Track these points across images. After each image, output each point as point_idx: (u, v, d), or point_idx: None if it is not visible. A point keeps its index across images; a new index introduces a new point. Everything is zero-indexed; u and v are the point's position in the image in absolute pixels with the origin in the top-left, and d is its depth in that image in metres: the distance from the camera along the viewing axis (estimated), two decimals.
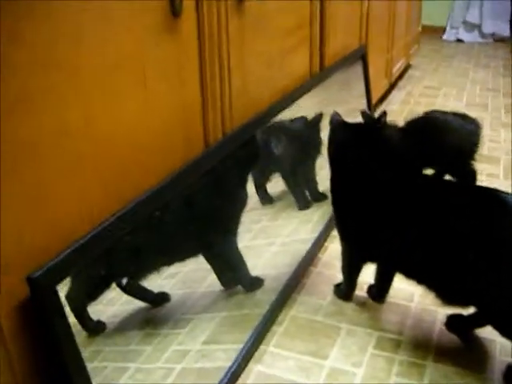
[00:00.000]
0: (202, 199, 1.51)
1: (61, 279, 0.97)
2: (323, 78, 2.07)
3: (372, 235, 1.52)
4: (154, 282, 1.44)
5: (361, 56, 2.56)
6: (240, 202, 1.64)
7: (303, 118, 1.98)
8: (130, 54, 1.06)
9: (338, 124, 1.58)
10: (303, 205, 2.08)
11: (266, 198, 1.96)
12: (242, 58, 1.47)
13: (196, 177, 1.28)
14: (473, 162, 2.12)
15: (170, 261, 1.46)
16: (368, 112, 2.21)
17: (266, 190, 1.96)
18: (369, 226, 1.51)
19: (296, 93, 1.82)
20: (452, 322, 1.55)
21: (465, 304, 1.41)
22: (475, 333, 1.55)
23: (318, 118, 1.98)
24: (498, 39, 5.85)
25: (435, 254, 1.37)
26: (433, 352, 1.49)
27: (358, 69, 2.59)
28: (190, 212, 1.46)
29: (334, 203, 1.62)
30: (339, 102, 2.59)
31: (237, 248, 1.65)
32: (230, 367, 1.42)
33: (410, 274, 1.47)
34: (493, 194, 1.37)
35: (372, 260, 1.60)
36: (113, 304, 1.41)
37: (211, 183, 1.49)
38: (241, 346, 1.49)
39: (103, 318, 1.33)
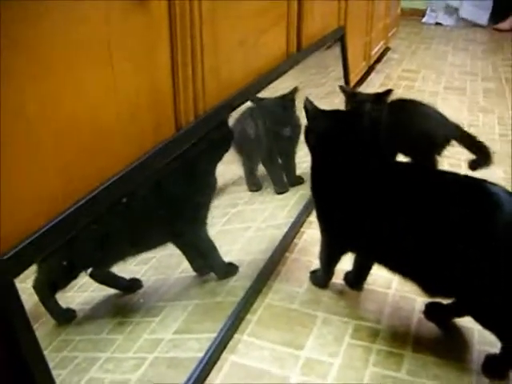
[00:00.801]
0: (171, 185, 1.46)
1: (18, 272, 0.91)
2: (300, 60, 2.02)
3: (352, 224, 1.47)
4: (127, 268, 1.41)
5: (339, 38, 2.51)
6: (210, 188, 1.59)
7: (278, 98, 1.95)
8: (95, 33, 1.00)
9: (314, 112, 1.53)
10: (280, 188, 2.04)
11: (255, 185, 1.92)
12: (215, 37, 1.41)
13: (165, 162, 1.22)
14: (437, 156, 2.09)
15: (137, 250, 1.42)
16: (346, 87, 2.16)
17: (255, 176, 1.91)
18: (349, 215, 1.47)
19: (272, 74, 1.76)
20: (430, 310, 1.52)
21: (445, 295, 1.38)
22: (454, 321, 1.52)
23: (293, 92, 1.93)
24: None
25: (415, 243, 1.33)
26: (411, 341, 1.46)
27: (336, 51, 2.54)
28: (159, 199, 1.42)
29: (315, 192, 1.57)
30: (317, 84, 2.54)
31: (206, 235, 1.61)
32: (203, 357, 1.38)
33: (390, 265, 1.44)
34: (475, 183, 1.33)
35: (352, 250, 1.56)
36: (84, 290, 1.37)
37: (181, 168, 1.44)
38: (214, 335, 1.45)
39: (74, 306, 1.31)
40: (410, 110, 2.11)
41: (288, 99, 1.90)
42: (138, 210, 1.35)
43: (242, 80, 1.60)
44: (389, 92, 1.99)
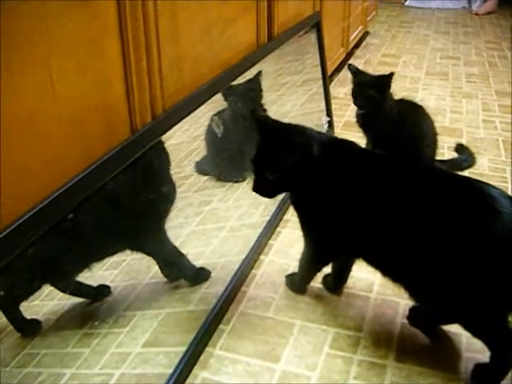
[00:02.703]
0: (127, 192, 1.36)
1: None
2: (272, 49, 1.91)
3: (341, 225, 1.36)
4: (95, 274, 1.35)
5: (315, 24, 2.39)
6: (169, 193, 1.49)
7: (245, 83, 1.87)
8: (28, 26, 0.88)
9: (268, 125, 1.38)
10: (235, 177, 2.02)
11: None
12: (175, 28, 1.29)
13: (117, 169, 1.10)
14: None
15: (98, 258, 1.36)
16: (353, 66, 2.13)
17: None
18: (337, 216, 1.35)
19: (241, 66, 1.65)
20: (414, 315, 1.42)
21: (434, 301, 1.28)
22: (439, 327, 1.43)
23: (258, 76, 1.86)
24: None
25: (404, 244, 1.24)
26: (394, 350, 1.37)
27: (312, 37, 2.43)
28: (113, 208, 1.33)
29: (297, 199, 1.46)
30: (293, 72, 2.44)
31: (168, 242, 1.51)
32: (172, 374, 1.28)
33: (380, 267, 1.34)
34: (474, 185, 1.24)
35: (339, 256, 1.47)
36: (51, 299, 1.32)
37: (138, 174, 1.33)
38: (184, 348, 1.35)
39: (40, 316, 1.27)
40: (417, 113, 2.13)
41: (255, 83, 1.86)
42: (93, 220, 1.26)
43: (208, 73, 1.49)
44: (391, 75, 2.04)
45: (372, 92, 2.01)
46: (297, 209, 1.44)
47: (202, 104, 1.42)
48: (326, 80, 2.49)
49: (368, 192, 1.29)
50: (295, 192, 1.42)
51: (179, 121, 1.29)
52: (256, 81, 1.84)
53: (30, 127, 0.91)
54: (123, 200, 1.37)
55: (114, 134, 1.10)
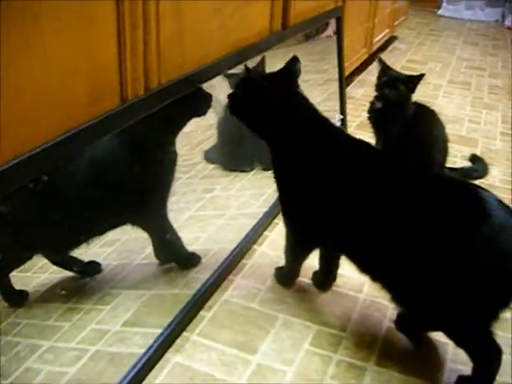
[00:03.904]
0: (121, 162, 1.36)
1: None
2: (285, 38, 1.86)
3: (318, 215, 1.33)
4: (90, 250, 1.37)
5: (336, 18, 2.34)
6: (167, 164, 1.46)
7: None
8: None
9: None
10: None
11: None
12: (179, 1, 1.25)
13: (99, 137, 1.07)
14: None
15: (94, 232, 1.37)
16: (383, 60, 2.13)
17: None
18: (314, 205, 1.33)
19: (249, 50, 1.60)
20: (402, 320, 1.37)
21: (414, 305, 1.24)
22: (427, 335, 1.38)
23: (262, 63, 1.80)
24: None
25: (385, 243, 1.20)
26: (376, 353, 1.32)
27: (332, 33, 2.38)
28: (112, 179, 1.34)
29: (277, 179, 1.42)
30: (317, 70, 2.44)
31: (167, 220, 1.50)
32: (144, 355, 1.25)
33: (358, 263, 1.30)
34: (465, 188, 1.21)
35: (319, 244, 1.42)
36: (43, 271, 1.36)
37: (128, 145, 1.30)
38: (160, 330, 1.32)
39: (30, 288, 1.31)
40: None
41: (259, 68, 1.79)
42: (91, 192, 1.29)
43: (214, 53, 1.44)
44: (421, 76, 2.01)
45: (402, 87, 1.98)
46: (277, 182, 1.42)
47: (202, 83, 1.38)
48: (343, 78, 2.44)
49: (349, 182, 1.27)
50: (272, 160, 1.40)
51: (173, 97, 1.25)
52: (260, 68, 1.79)
53: (17, 87, 0.87)
54: (122, 170, 1.37)
55: (101, 102, 1.06)
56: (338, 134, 1.38)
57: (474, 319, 1.15)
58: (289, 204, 1.42)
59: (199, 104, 1.44)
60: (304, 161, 1.32)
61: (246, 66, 1.42)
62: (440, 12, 5.79)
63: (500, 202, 1.14)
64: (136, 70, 1.14)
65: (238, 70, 1.62)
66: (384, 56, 3.88)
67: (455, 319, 1.17)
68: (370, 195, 1.23)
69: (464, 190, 1.19)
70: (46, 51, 0.91)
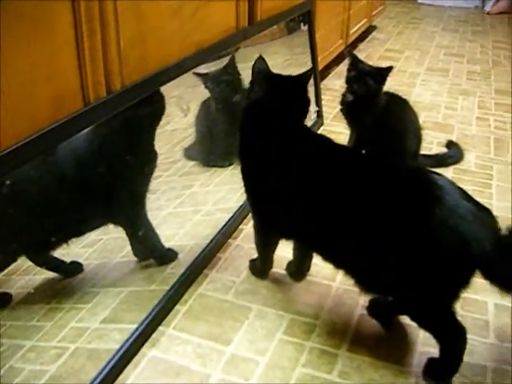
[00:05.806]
0: (88, 164, 1.38)
1: None
2: (252, 34, 1.88)
3: (280, 205, 1.35)
4: (72, 251, 1.40)
5: (307, 12, 2.37)
6: (142, 167, 1.49)
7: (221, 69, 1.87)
8: None
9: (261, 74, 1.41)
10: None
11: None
12: (138, 4, 1.28)
13: (63, 140, 1.10)
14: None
15: (76, 232, 1.42)
16: (352, 52, 2.16)
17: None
18: (276, 194, 1.35)
19: (215, 48, 1.63)
20: (374, 306, 1.40)
21: (378, 290, 1.27)
22: (398, 320, 1.40)
23: (232, 60, 1.85)
24: None
25: (344, 230, 1.23)
26: (348, 340, 1.35)
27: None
28: (90, 178, 1.37)
29: (242, 169, 1.45)
30: (299, 64, 2.44)
31: (145, 216, 1.53)
32: (119, 349, 1.28)
33: (321, 252, 1.33)
34: (420, 173, 1.24)
35: (284, 234, 1.44)
36: (27, 273, 1.39)
37: (98, 147, 1.34)
38: (136, 326, 1.34)
39: (13, 289, 1.33)
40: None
41: (230, 68, 1.85)
42: (69, 192, 1.32)
43: (178, 53, 1.47)
44: (390, 69, 2.02)
45: (370, 81, 1.99)
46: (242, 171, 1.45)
47: (165, 83, 1.40)
48: (317, 70, 2.47)
49: (306, 173, 1.29)
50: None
51: (137, 98, 1.28)
52: (231, 66, 1.82)
53: None
54: (93, 171, 1.39)
55: (63, 107, 1.09)
56: (300, 129, 1.40)
57: (435, 301, 1.17)
58: (251, 192, 1.45)
59: (155, 104, 1.46)
60: (265, 153, 1.35)
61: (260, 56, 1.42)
62: (420, 0, 5.81)
63: (453, 185, 1.17)
64: (96, 74, 1.16)
65: (209, 69, 1.66)
66: (363, 46, 3.91)
67: (416, 302, 1.19)
68: (327, 185, 1.25)
69: (417, 176, 1.21)
70: (5, 61, 0.94)
